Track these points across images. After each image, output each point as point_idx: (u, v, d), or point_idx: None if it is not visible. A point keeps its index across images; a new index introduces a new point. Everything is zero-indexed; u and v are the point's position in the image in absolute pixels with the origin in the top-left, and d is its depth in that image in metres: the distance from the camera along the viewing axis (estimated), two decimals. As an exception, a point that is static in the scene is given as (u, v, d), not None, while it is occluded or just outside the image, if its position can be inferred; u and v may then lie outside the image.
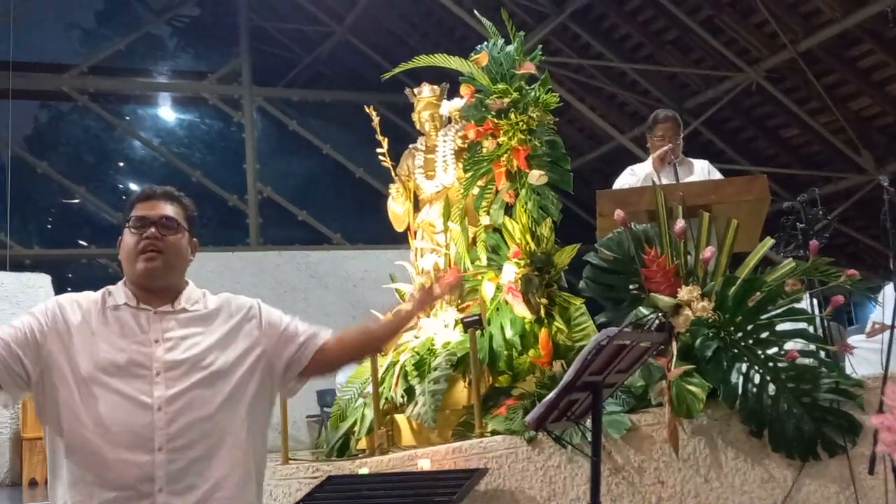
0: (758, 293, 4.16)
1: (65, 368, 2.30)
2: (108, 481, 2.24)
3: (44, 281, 10.70)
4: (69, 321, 2.37)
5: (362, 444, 5.10)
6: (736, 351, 4.09)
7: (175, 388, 2.32)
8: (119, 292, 2.47)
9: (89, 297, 2.46)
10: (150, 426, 2.27)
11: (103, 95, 14.41)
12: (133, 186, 14.48)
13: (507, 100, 5.24)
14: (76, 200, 13.87)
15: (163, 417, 2.28)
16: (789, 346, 4.18)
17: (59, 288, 11.14)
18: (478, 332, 4.78)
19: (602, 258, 4.45)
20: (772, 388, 4.01)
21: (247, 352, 2.46)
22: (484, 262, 5.34)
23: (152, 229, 2.45)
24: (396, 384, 5.13)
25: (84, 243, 13.85)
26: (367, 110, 6.01)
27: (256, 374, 2.46)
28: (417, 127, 6.08)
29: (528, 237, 5.03)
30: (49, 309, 2.38)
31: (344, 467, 4.58)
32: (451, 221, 5.62)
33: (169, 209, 2.50)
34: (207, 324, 2.46)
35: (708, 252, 4.28)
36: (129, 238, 2.48)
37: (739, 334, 4.14)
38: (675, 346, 4.08)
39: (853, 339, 5.64)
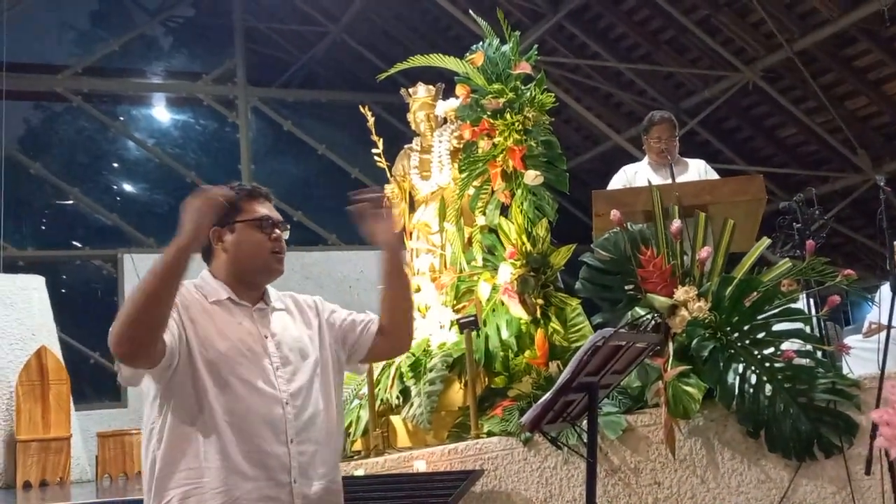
0: (754, 293, 4.15)
1: (198, 353, 2.33)
2: (247, 470, 2.29)
3: (37, 282, 10.65)
4: (186, 306, 2.38)
5: (358, 445, 5.08)
6: (732, 351, 4.07)
7: (295, 383, 2.42)
8: (215, 287, 2.48)
9: (185, 288, 2.43)
10: (283, 418, 2.36)
11: (97, 96, 14.34)
12: (127, 187, 14.43)
13: (502, 100, 5.23)
14: (70, 201, 13.82)
15: (291, 411, 2.38)
16: (786, 346, 4.17)
17: (53, 289, 11.12)
18: (473, 333, 4.76)
19: (598, 259, 4.43)
20: (768, 388, 3.99)
21: (324, 345, 2.57)
22: (480, 262, 5.33)
23: (278, 231, 2.52)
24: (392, 385, 5.11)
25: (78, 244, 13.81)
26: (363, 110, 5.99)
27: (335, 366, 2.58)
28: (413, 127, 6.05)
29: (524, 238, 5.02)
30: None
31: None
32: (447, 222, 5.59)
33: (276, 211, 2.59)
34: (293, 320, 2.57)
35: (704, 252, 4.26)
36: (254, 237, 2.49)
37: (736, 334, 4.13)
38: (671, 347, 4.07)
39: (850, 340, 5.63)
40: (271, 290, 2.59)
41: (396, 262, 2.66)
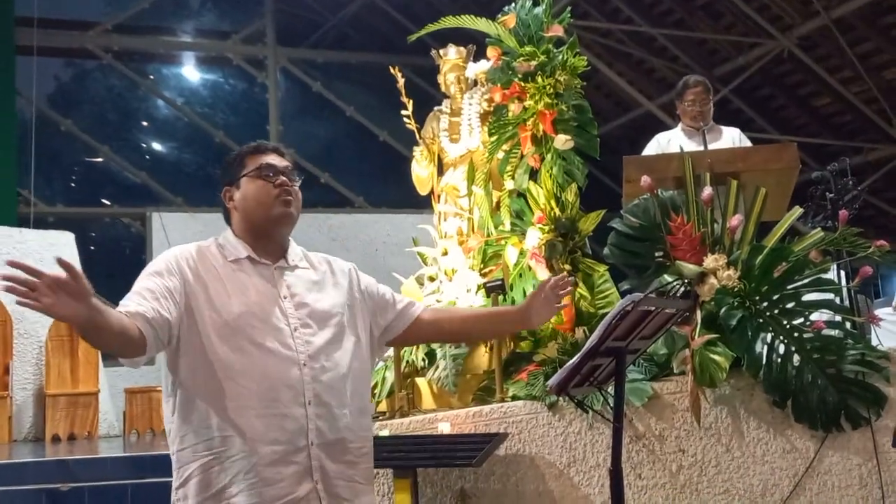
0: (784, 263, 4.10)
1: (207, 320, 2.30)
2: (264, 435, 2.26)
3: (67, 238, 10.77)
4: (198, 272, 2.36)
5: (382, 406, 5.11)
6: (761, 320, 4.04)
7: (314, 345, 2.37)
8: (235, 245, 2.46)
9: (203, 249, 2.43)
10: (300, 381, 2.32)
11: (127, 54, 14.39)
12: (156, 146, 14.49)
13: (534, 62, 5.16)
14: (99, 159, 13.91)
15: (309, 373, 2.34)
16: (815, 316, 4.13)
17: (82, 246, 11.23)
18: (500, 298, 4.76)
19: (627, 225, 4.40)
20: (796, 358, 3.96)
21: (355, 311, 2.54)
22: (507, 227, 5.30)
23: (283, 177, 2.47)
24: (417, 347, 5.12)
25: (107, 202, 13.91)
26: (392, 72, 5.95)
27: (365, 333, 2.55)
28: (443, 89, 6.01)
29: (553, 203, 4.98)
30: (172, 264, 2.35)
31: (364, 429, 4.59)
32: (476, 185, 5.57)
33: (287, 161, 2.55)
34: (320, 281, 2.52)
35: (735, 220, 4.22)
36: (257, 186, 2.46)
37: (765, 304, 4.09)
38: (699, 315, 4.04)
39: (880, 312, 5.59)
40: (298, 248, 2.56)
41: (517, 328, 2.73)
